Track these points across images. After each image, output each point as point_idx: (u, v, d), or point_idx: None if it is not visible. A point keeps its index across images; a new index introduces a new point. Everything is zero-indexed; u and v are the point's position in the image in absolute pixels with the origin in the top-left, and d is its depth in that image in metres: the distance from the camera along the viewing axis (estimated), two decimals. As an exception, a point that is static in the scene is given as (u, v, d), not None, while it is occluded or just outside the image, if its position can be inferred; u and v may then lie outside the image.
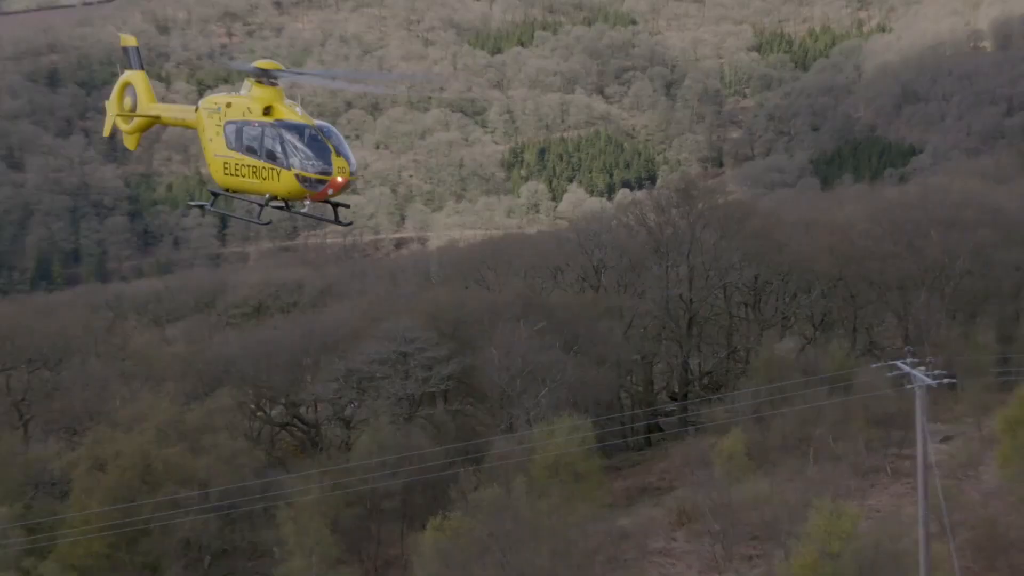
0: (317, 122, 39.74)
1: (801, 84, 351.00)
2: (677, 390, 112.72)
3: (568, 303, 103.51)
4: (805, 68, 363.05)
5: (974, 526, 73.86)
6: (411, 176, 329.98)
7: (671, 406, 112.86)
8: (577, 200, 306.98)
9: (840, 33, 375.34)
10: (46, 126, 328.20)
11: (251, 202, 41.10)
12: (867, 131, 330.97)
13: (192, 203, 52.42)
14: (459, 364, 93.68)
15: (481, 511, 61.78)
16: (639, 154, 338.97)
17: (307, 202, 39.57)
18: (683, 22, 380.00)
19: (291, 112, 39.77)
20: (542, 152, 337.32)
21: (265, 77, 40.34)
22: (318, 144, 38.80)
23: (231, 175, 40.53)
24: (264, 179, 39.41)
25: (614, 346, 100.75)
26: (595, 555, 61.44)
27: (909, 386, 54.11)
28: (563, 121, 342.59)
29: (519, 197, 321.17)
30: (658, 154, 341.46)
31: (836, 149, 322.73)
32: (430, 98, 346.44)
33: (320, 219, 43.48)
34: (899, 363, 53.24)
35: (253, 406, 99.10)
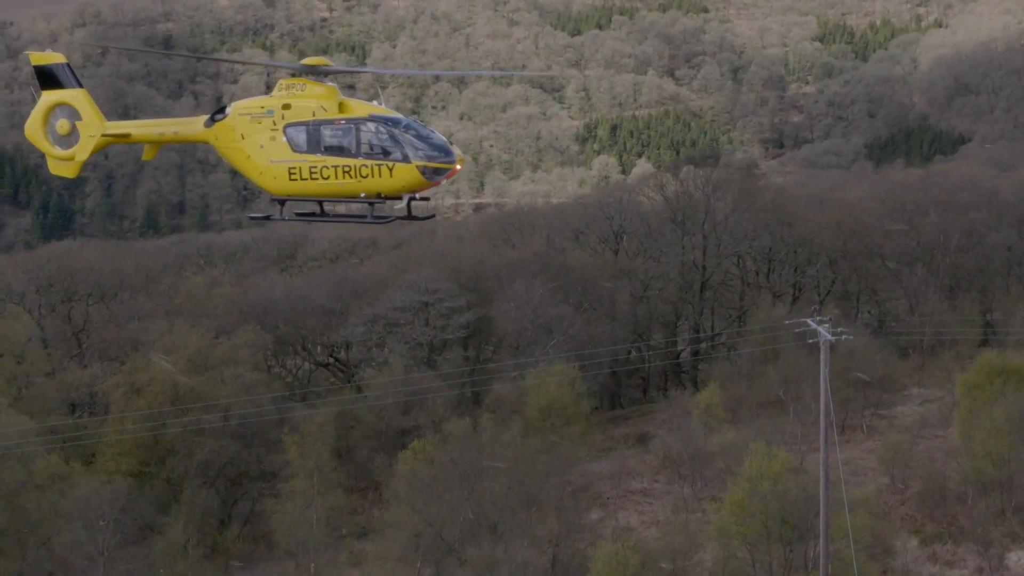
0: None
1: (860, 73, 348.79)
2: (688, 348, 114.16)
3: (583, 264, 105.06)
4: (865, 59, 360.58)
5: (922, 479, 75.22)
6: (491, 146, 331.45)
7: (672, 360, 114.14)
8: (645, 174, 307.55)
9: (899, 27, 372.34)
10: (158, 88, 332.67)
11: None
12: (920, 119, 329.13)
13: (255, 216, 41.36)
14: (475, 315, 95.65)
15: (448, 442, 63.71)
16: (705, 133, 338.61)
17: (397, 201, 35.99)
18: (752, 11, 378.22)
19: (368, 106, 36.31)
20: (614, 128, 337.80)
21: (314, 74, 36.50)
22: (428, 134, 35.83)
23: (303, 180, 35.94)
24: (364, 178, 35.26)
25: (622, 305, 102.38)
26: (562, 489, 62.73)
27: (813, 340, 55.33)
28: (635, 100, 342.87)
29: (591, 170, 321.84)
30: (723, 134, 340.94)
31: (890, 135, 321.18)
32: (511, 74, 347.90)
33: (400, 218, 37.73)
34: (808, 320, 54.49)
35: (295, 346, 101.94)
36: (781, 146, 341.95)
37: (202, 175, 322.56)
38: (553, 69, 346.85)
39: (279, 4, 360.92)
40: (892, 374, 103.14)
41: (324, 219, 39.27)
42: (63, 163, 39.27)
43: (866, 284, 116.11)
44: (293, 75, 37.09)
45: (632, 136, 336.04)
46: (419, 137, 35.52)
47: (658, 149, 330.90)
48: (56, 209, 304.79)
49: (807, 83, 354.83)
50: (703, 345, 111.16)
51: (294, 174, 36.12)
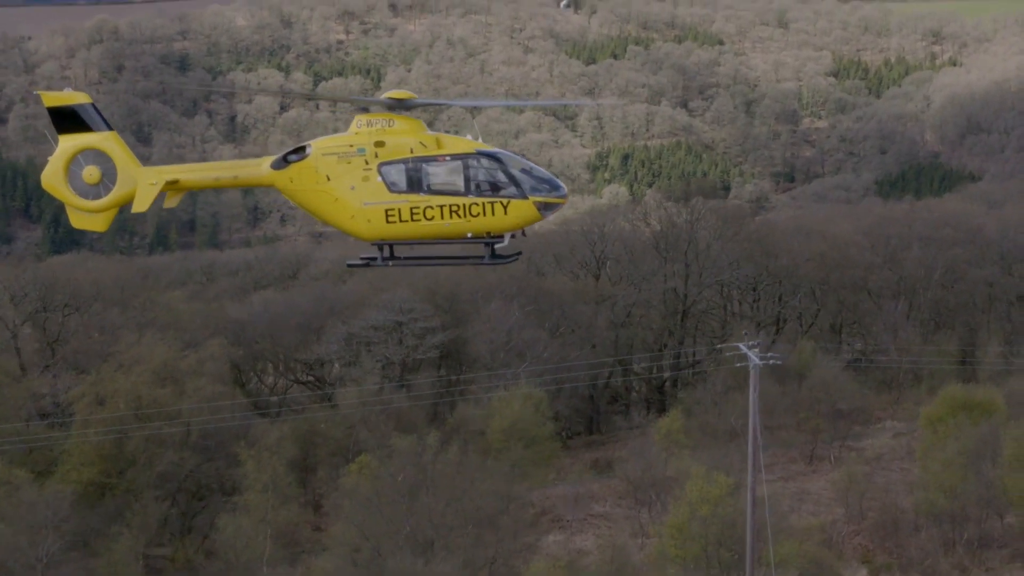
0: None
1: (873, 109, 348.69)
2: (667, 375, 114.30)
3: (562, 288, 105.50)
4: (878, 95, 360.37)
5: (877, 510, 75.50)
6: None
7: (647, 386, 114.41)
8: (656, 204, 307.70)
9: (914, 64, 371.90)
10: (174, 105, 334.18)
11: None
12: (931, 157, 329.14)
13: (354, 263, 35.95)
14: (449, 335, 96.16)
15: (393, 459, 64.03)
16: (716, 165, 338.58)
17: (501, 239, 34.05)
18: (767, 45, 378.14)
19: (464, 140, 34.34)
20: (626, 158, 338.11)
21: (399, 108, 34.28)
22: (533, 168, 34.23)
23: (403, 222, 33.46)
24: (474, 216, 33.31)
25: (600, 330, 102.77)
26: (501, 508, 62.97)
27: (741, 364, 55.60)
28: (647, 130, 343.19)
29: (600, 198, 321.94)
30: (734, 167, 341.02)
31: (901, 172, 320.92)
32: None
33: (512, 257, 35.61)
34: (740, 345, 54.79)
35: (272, 362, 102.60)
36: (792, 180, 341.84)
37: (214, 194, 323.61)
38: (566, 97, 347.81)
39: (296, 25, 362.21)
40: (867, 406, 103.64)
41: (426, 263, 37.62)
42: (90, 216, 35.37)
43: (850, 317, 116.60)
44: (364, 109, 35.11)
45: (643, 166, 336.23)
46: (528, 172, 34.01)
47: (669, 179, 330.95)
48: (67, 224, 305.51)
49: (820, 118, 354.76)
50: (667, 374, 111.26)
51: (392, 216, 33.52)
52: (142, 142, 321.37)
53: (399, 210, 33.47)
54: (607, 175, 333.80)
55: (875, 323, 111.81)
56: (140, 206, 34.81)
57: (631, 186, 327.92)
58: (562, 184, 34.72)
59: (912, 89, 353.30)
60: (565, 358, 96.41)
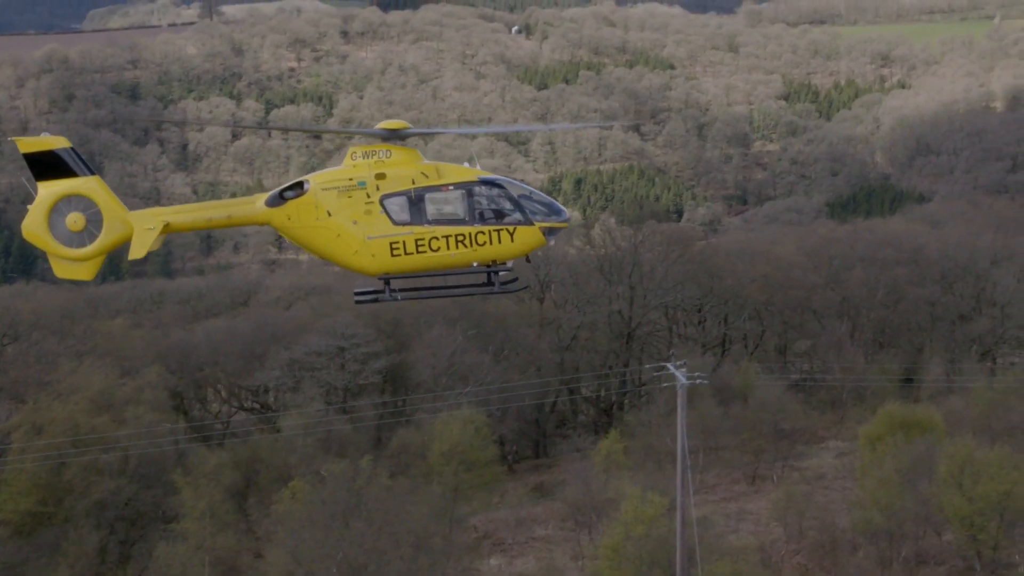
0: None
1: (823, 132, 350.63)
2: (614, 399, 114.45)
3: (505, 311, 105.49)
4: (828, 118, 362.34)
5: (817, 530, 75.64)
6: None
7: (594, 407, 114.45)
8: (608, 228, 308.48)
9: (863, 87, 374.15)
10: (124, 134, 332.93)
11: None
12: (881, 179, 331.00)
13: (363, 297, 35.13)
14: (392, 360, 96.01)
15: (325, 485, 63.84)
16: (669, 189, 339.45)
17: (505, 267, 34.04)
18: (718, 69, 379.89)
19: (463, 168, 34.08)
20: (578, 182, 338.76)
21: (394, 139, 33.69)
22: (533, 192, 34.11)
23: (408, 255, 32.93)
24: (480, 245, 32.96)
25: (543, 353, 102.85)
26: (432, 532, 62.82)
27: (667, 384, 55.74)
28: (600, 154, 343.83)
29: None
30: (686, 190, 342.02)
31: (852, 194, 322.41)
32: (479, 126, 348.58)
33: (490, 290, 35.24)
34: (668, 365, 54.94)
35: (217, 388, 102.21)
36: (744, 203, 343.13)
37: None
38: (518, 122, 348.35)
39: (247, 53, 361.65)
40: (811, 426, 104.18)
41: (434, 295, 36.93)
42: (75, 264, 33.41)
43: (795, 337, 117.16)
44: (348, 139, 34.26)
45: (596, 190, 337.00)
46: (530, 196, 33.81)
47: (622, 203, 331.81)
48: (18, 253, 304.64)
49: (771, 141, 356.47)
50: (606, 396, 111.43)
51: (397, 249, 32.91)
52: (93, 172, 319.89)
53: (404, 242, 32.95)
54: (560, 199, 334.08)
55: (820, 343, 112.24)
56: (137, 252, 33.52)
57: (584, 210, 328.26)
58: (563, 207, 34.69)
59: (862, 112, 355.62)
60: (508, 382, 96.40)
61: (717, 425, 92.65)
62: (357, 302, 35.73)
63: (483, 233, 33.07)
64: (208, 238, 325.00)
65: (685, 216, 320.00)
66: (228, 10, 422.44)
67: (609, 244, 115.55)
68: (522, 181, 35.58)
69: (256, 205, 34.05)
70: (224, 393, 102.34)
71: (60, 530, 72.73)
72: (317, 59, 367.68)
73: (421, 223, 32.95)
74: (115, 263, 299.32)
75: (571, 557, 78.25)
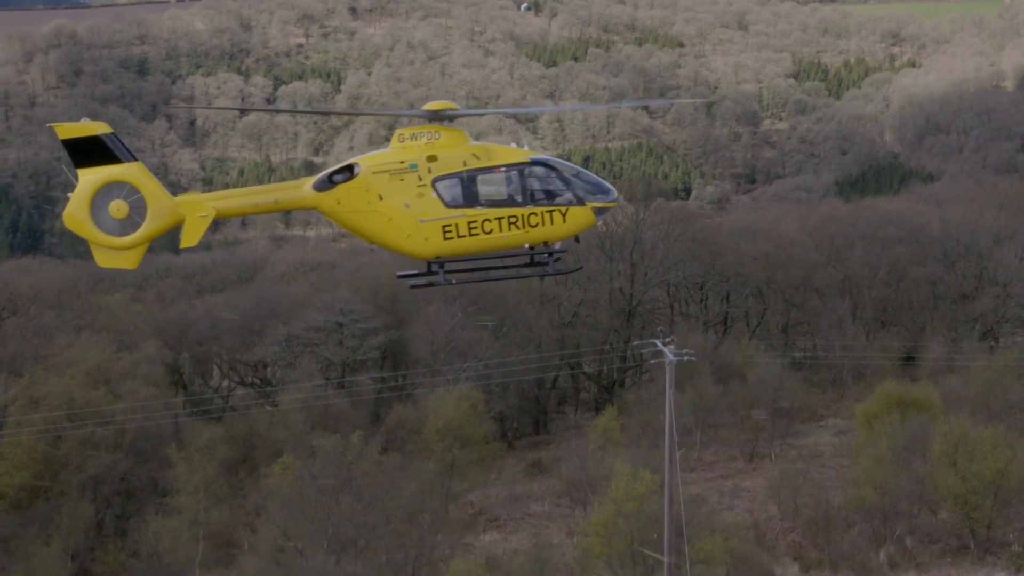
0: None
1: (833, 111, 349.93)
2: (615, 376, 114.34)
3: (503, 289, 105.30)
4: (838, 96, 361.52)
5: (812, 507, 75.61)
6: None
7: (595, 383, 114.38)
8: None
9: (873, 66, 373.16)
10: (132, 110, 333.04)
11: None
12: (890, 157, 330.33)
13: (417, 282, 34.53)
14: (390, 336, 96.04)
15: (316, 459, 63.92)
16: (677, 167, 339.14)
17: (554, 251, 34.05)
18: (727, 47, 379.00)
19: (512, 149, 34.01)
20: (587, 160, 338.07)
21: (440, 120, 33.21)
22: (583, 172, 34.09)
23: (460, 237, 32.51)
24: (533, 227, 32.81)
25: (542, 330, 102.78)
26: (422, 507, 62.85)
27: (656, 360, 55.71)
28: (608, 132, 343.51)
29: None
30: (695, 168, 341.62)
31: (860, 172, 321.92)
32: (487, 103, 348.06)
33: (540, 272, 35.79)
34: (656, 341, 54.91)
35: (217, 363, 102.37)
36: (753, 181, 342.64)
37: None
38: (527, 99, 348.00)
39: (255, 29, 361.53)
40: (812, 404, 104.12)
41: (489, 278, 36.54)
42: (118, 253, 32.16)
43: (797, 315, 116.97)
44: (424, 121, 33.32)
45: (604, 168, 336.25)
46: (579, 176, 33.76)
47: (630, 181, 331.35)
48: (26, 228, 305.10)
49: (780, 119, 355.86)
50: (604, 372, 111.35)
51: (449, 232, 32.44)
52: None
53: (456, 225, 32.48)
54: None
55: (821, 322, 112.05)
56: (190, 240, 32.87)
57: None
58: (611, 187, 34.51)
59: (871, 90, 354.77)
60: (507, 359, 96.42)
61: (715, 403, 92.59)
62: (412, 287, 35.18)
63: (535, 214, 32.88)
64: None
65: (693, 194, 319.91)
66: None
67: (610, 221, 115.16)
68: (569, 160, 34.62)
69: (303, 189, 33.15)
70: (224, 368, 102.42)
71: (55, 504, 72.89)
72: (325, 35, 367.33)
73: (474, 205, 32.58)
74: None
75: (567, 534, 78.27)
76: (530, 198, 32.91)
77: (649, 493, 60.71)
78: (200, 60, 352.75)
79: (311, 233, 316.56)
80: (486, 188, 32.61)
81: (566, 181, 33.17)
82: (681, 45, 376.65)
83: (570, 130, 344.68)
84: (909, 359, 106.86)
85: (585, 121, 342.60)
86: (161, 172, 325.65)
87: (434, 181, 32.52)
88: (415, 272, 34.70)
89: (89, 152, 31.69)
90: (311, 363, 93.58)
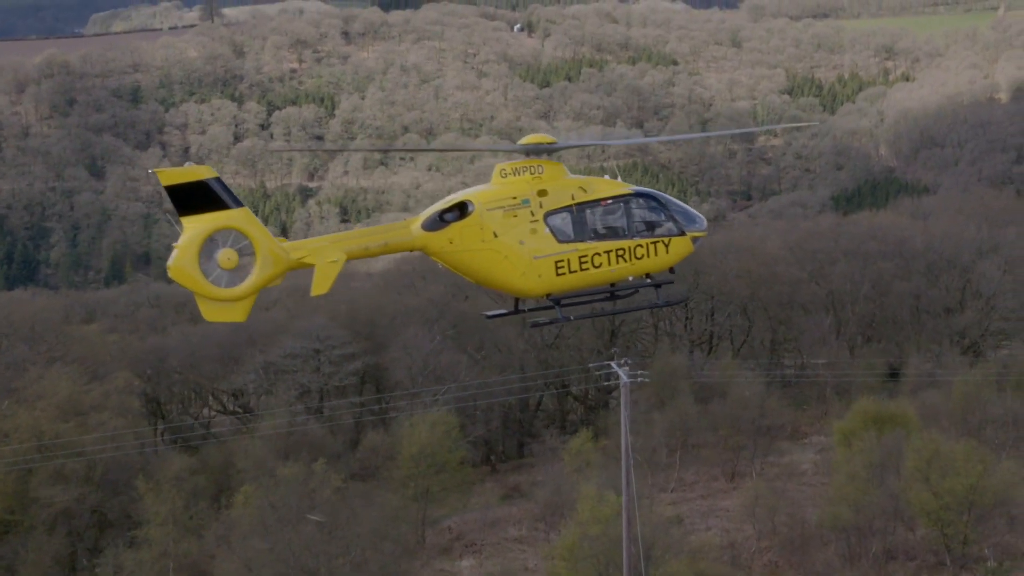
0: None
1: (828, 126, 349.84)
2: (600, 396, 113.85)
3: (475, 312, 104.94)
4: (832, 111, 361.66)
5: (788, 526, 75.15)
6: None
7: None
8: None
9: (867, 80, 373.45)
10: (126, 138, 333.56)
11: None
12: (886, 171, 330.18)
13: (539, 321, 34.05)
14: (367, 361, 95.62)
15: (279, 487, 63.49)
16: (672, 185, 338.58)
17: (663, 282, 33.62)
18: (721, 64, 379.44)
19: (609, 181, 33.37)
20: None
21: (537, 153, 32.47)
22: (675, 202, 33.62)
23: (572, 273, 31.71)
24: (639, 259, 32.24)
25: (520, 352, 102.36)
26: (382, 537, 62.31)
27: (608, 382, 55.28)
28: (603, 152, 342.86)
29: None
30: (690, 186, 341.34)
31: (856, 187, 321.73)
32: (481, 125, 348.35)
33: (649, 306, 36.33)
34: (611, 364, 54.57)
35: (195, 392, 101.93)
36: (749, 198, 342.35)
37: (167, 225, 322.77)
38: (522, 120, 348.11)
39: (248, 55, 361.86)
40: (795, 422, 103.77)
41: (604, 312, 35.92)
42: (227, 305, 30.00)
43: (782, 332, 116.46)
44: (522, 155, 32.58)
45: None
46: (679, 206, 33.36)
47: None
48: (20, 259, 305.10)
49: (775, 135, 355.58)
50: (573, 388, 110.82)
51: (562, 268, 31.55)
52: (95, 176, 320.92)
53: (568, 260, 31.68)
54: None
55: (804, 338, 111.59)
56: (322, 287, 30.86)
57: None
58: (701, 215, 34.09)
59: (866, 105, 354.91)
60: (487, 381, 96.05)
61: (695, 423, 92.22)
62: (533, 324, 34.50)
63: (641, 246, 32.30)
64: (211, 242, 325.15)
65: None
66: (229, 12, 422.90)
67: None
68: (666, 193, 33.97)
69: (411, 230, 31.80)
70: (205, 396, 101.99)
71: (24, 539, 72.44)
72: (319, 60, 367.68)
73: (584, 239, 31.89)
74: (119, 269, 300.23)
75: (543, 558, 77.76)
76: (636, 230, 32.37)
77: (614, 516, 60.24)
78: (193, 87, 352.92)
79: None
80: (595, 221, 32.05)
81: (667, 211, 32.75)
82: (675, 63, 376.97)
83: (565, 151, 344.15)
84: (894, 375, 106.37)
85: (579, 141, 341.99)
86: (156, 200, 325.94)
87: (546, 216, 31.79)
88: (503, 312, 34.10)
89: (195, 198, 29.78)
90: (287, 391, 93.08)
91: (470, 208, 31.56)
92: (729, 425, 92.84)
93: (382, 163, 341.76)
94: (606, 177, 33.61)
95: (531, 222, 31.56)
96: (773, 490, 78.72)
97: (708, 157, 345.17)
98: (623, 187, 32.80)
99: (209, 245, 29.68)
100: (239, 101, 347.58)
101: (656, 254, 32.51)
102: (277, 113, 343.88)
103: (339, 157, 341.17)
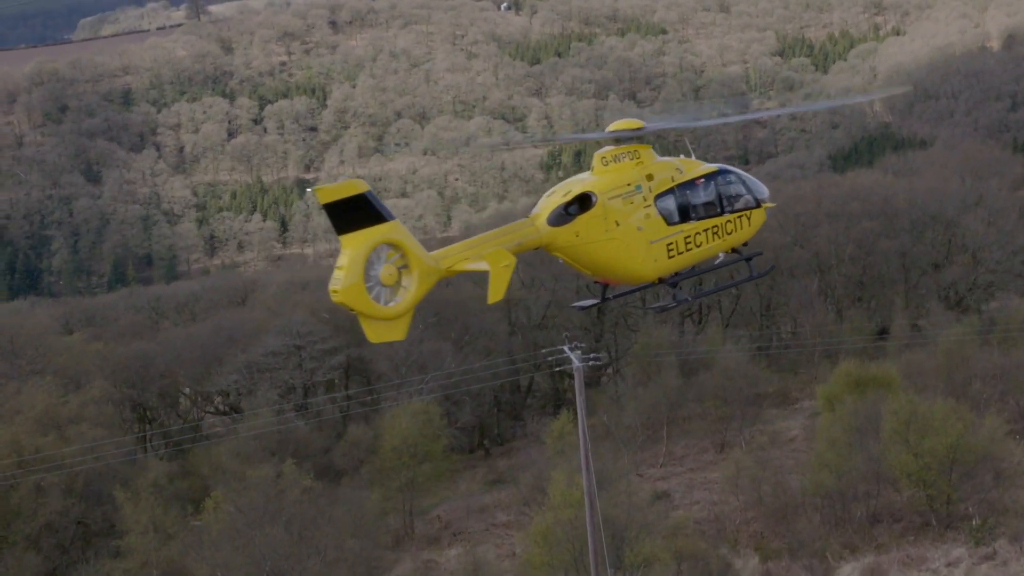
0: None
1: (821, 85, 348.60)
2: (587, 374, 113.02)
3: (464, 298, 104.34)
4: (825, 70, 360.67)
5: (772, 496, 74.61)
6: (456, 180, 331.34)
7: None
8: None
9: (858, 37, 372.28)
10: (120, 142, 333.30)
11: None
12: (882, 127, 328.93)
13: (666, 304, 33.89)
14: (347, 355, 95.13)
15: (247, 490, 63.04)
16: (668, 154, 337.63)
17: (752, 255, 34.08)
18: (710, 30, 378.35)
19: (693, 161, 33.58)
20: (578, 154, 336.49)
21: (627, 140, 32.30)
22: (748, 175, 34.06)
23: (680, 254, 31.74)
24: (728, 234, 32.58)
25: (500, 337, 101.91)
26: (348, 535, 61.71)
27: (561, 368, 54.73)
28: (597, 125, 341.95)
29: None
30: (687, 152, 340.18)
31: (853, 145, 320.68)
32: (474, 106, 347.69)
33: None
34: (564, 348, 54.00)
35: (181, 395, 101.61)
36: (747, 162, 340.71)
37: (168, 225, 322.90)
38: (514, 99, 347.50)
39: (237, 51, 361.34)
40: (785, 388, 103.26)
41: (710, 291, 35.46)
42: (390, 324, 28.21)
43: (775, 299, 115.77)
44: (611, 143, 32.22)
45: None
46: (751, 179, 33.83)
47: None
48: (23, 269, 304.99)
49: (769, 98, 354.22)
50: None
51: (672, 250, 31.55)
52: (92, 181, 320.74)
53: (676, 242, 31.74)
54: (560, 173, 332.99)
55: (791, 303, 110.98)
56: (499, 294, 29.60)
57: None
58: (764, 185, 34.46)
59: (858, 62, 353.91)
60: (470, 367, 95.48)
61: (680, 396, 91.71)
62: (659, 310, 35.97)
63: (731, 222, 32.62)
64: (211, 239, 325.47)
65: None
66: (216, 9, 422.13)
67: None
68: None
69: (537, 227, 30.65)
70: (189, 399, 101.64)
71: (3, 556, 72.14)
72: (307, 51, 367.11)
73: (687, 220, 32.05)
74: (122, 272, 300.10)
75: (532, 542, 77.29)
76: (725, 206, 32.66)
77: (583, 498, 59.52)
78: (184, 86, 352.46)
79: (308, 251, 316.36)
80: (694, 201, 32.26)
81: (745, 185, 33.10)
82: (664, 32, 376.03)
83: (559, 126, 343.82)
84: (882, 334, 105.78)
85: (573, 116, 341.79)
86: (154, 202, 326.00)
87: (655, 200, 31.82)
88: (593, 301, 33.98)
89: (354, 214, 27.45)
90: (269, 389, 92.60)
91: (593, 199, 30.99)
92: (716, 396, 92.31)
93: (377, 150, 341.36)
94: (680, 156, 33.92)
95: (644, 207, 31.48)
96: (758, 460, 78.07)
97: (679, 111, 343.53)
98: (707, 165, 33.23)
99: (374, 262, 27.79)
100: (231, 97, 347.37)
101: (741, 228, 32.83)
102: (269, 107, 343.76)
103: (333, 147, 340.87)
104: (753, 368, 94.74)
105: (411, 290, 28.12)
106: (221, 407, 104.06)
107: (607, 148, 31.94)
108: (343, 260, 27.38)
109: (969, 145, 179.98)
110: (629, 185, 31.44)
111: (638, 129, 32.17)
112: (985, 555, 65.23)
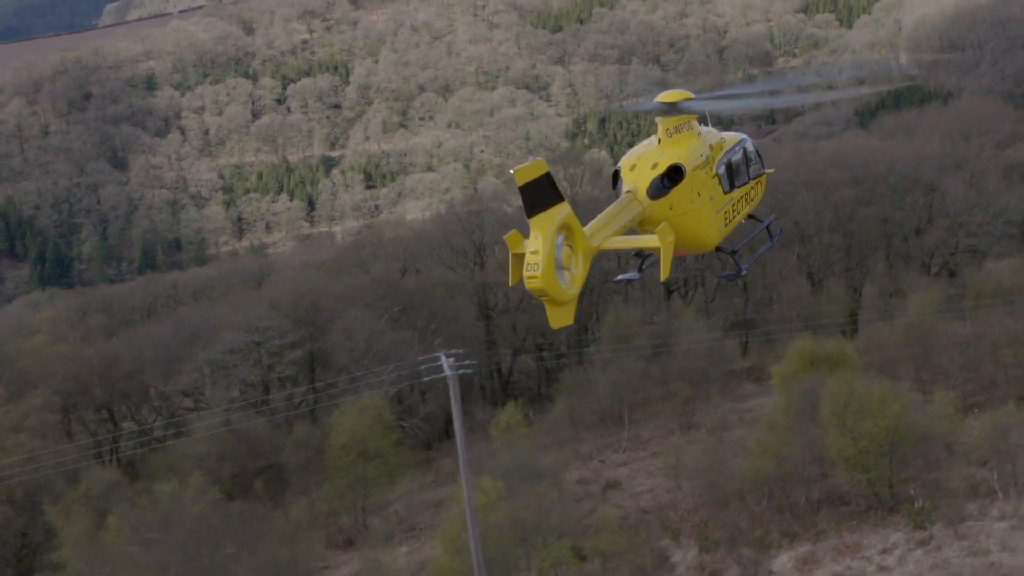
0: None
1: (846, 40, 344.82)
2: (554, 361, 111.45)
3: (435, 284, 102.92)
4: (850, 25, 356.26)
5: (714, 485, 72.80)
6: (482, 151, 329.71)
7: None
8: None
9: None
10: (145, 127, 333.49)
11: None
12: (908, 80, 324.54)
13: (728, 275, 32.44)
14: (309, 348, 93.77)
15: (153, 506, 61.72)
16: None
17: (769, 221, 32.91)
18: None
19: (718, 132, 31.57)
20: (603, 121, 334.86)
21: (678, 111, 30.26)
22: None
23: (729, 222, 30.94)
24: (750, 201, 31.78)
25: (467, 324, 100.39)
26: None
27: (439, 376, 53.25)
28: (621, 91, 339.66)
29: (582, 166, 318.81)
30: (713, 116, 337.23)
31: (879, 100, 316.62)
32: (497, 77, 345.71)
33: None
34: (440, 355, 52.53)
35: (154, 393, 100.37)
36: (773, 122, 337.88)
37: (195, 209, 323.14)
38: (537, 68, 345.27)
39: (258, 31, 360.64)
40: (761, 364, 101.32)
41: (745, 263, 34.64)
42: (566, 308, 26.03)
43: (751, 271, 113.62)
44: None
45: (621, 127, 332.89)
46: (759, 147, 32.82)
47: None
48: (53, 258, 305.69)
49: (794, 56, 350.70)
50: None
51: (728, 217, 30.79)
52: (118, 168, 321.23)
53: (727, 211, 30.69)
54: (586, 141, 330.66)
55: (769, 274, 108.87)
56: (668, 270, 27.83)
57: (612, 149, 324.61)
58: None
59: (883, 15, 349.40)
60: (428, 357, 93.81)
61: (641, 380, 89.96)
62: (730, 278, 32.61)
63: (753, 188, 31.66)
64: (239, 220, 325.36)
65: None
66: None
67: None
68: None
69: (640, 200, 28.89)
70: (149, 400, 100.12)
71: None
72: (328, 28, 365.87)
73: (735, 187, 30.94)
74: (151, 258, 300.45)
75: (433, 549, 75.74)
76: (750, 174, 31.48)
77: (497, 500, 58.14)
78: (207, 69, 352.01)
79: (336, 228, 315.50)
80: (736, 169, 31.07)
81: (758, 153, 31.87)
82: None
83: (583, 93, 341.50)
84: (853, 315, 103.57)
85: (597, 83, 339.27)
86: (181, 185, 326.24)
87: (716, 169, 30.46)
88: (634, 275, 31.05)
89: (543, 194, 25.80)
90: (229, 387, 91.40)
91: (683, 170, 29.48)
92: (681, 377, 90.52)
93: (402, 125, 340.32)
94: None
95: (712, 177, 30.18)
96: (707, 447, 76.19)
97: (727, 85, 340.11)
98: (731, 134, 31.46)
99: (558, 244, 25.54)
100: (253, 78, 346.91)
101: (757, 195, 31.85)
102: (292, 86, 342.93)
103: (358, 123, 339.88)
104: (723, 346, 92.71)
105: (578, 271, 25.99)
106: (187, 407, 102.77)
107: (668, 117, 29.95)
108: (536, 244, 25.32)
109: (965, 102, 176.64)
110: (702, 155, 30.06)
111: (687, 99, 29.92)
112: (921, 540, 63.47)
